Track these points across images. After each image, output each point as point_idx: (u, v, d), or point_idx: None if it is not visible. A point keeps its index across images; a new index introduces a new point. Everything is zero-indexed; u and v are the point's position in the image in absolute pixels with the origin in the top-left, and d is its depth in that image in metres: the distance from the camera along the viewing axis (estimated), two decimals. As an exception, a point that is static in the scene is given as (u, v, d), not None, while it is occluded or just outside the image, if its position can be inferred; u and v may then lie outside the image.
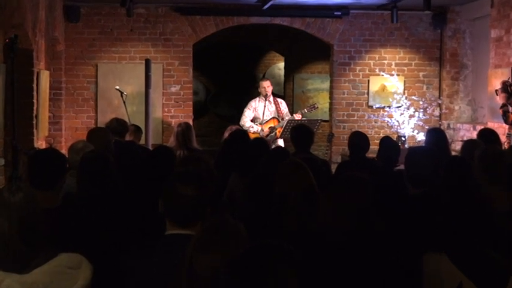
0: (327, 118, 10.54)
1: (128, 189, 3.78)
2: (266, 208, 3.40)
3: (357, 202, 2.72)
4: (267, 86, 8.52)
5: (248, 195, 4.06)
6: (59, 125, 9.24)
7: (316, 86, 13.55)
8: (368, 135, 6.00)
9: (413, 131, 9.45)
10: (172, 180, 2.57)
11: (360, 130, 8.01)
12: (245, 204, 4.01)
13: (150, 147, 7.40)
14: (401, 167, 4.09)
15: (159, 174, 3.77)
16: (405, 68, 9.92)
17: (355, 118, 9.86)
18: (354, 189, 2.78)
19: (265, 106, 8.41)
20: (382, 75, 9.72)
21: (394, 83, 9.68)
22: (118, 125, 6.37)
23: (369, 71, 9.86)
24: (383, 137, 5.75)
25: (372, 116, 9.76)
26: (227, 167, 4.94)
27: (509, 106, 6.98)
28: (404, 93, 9.79)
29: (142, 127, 7.60)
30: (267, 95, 8.46)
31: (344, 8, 9.66)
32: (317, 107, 8.78)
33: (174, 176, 2.61)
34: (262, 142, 5.14)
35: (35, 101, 6.92)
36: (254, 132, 8.32)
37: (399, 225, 2.91)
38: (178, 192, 2.52)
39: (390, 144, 5.41)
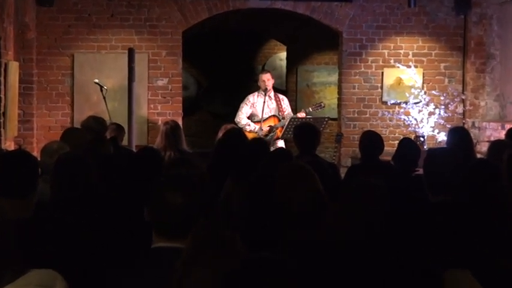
0: (335, 116, 10.54)
1: (109, 197, 3.79)
2: (266, 218, 3.41)
3: (370, 212, 2.72)
4: (267, 79, 8.53)
5: (245, 203, 4.07)
6: (29, 124, 9.24)
7: (323, 79, 13.56)
8: (382, 135, 6.01)
9: (433, 131, 9.46)
10: (159, 186, 2.58)
11: (372, 129, 8.03)
12: (242, 214, 4.02)
13: (134, 149, 7.40)
14: (421, 171, 4.10)
15: (144, 180, 3.78)
16: (424, 59, 9.93)
17: (367, 116, 9.87)
18: (366, 197, 2.79)
19: (264, 102, 8.42)
20: (398, 66, 9.73)
21: (412, 76, 9.69)
22: (95, 124, 6.38)
23: (382, 62, 9.87)
24: (402, 138, 5.75)
25: (386, 113, 9.77)
26: (221, 172, 4.95)
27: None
28: (423, 87, 9.79)
29: (125, 126, 7.60)
30: (266, 89, 8.47)
31: (354, -9, 9.69)
32: (324, 106, 8.79)
33: (162, 181, 2.62)
34: (261, 143, 5.15)
35: (2, 96, 6.92)
36: (251, 131, 8.32)
37: (417, 238, 2.92)
38: (166, 200, 2.52)
39: (409, 145, 5.42)
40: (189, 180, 2.60)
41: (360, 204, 2.75)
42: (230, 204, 4.46)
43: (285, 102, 8.75)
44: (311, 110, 8.61)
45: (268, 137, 8.37)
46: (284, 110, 8.64)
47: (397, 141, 5.80)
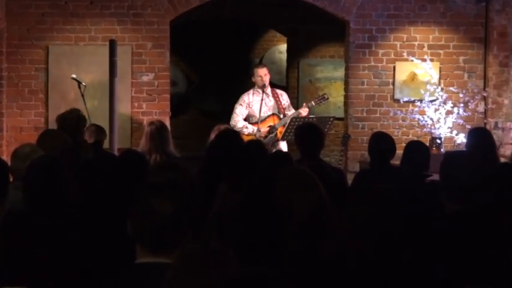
0: (341, 115, 10.55)
1: (88, 206, 3.79)
2: (263, 230, 3.42)
3: (379, 222, 2.73)
4: (263, 74, 8.54)
5: (240, 213, 4.07)
6: (-2, 124, 9.25)
7: (328, 74, 13.57)
8: (394, 137, 6.03)
9: (451, 132, 9.47)
10: (144, 194, 2.58)
11: (383, 130, 8.04)
12: (236, 225, 4.02)
13: (116, 152, 7.40)
14: (436, 177, 4.11)
15: (128, 186, 3.78)
16: (441, 52, 9.94)
17: (378, 115, 9.88)
18: (375, 206, 2.79)
19: (262, 100, 8.43)
20: (412, 60, 9.74)
21: (427, 71, 9.70)
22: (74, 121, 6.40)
23: (394, 55, 9.88)
24: (409, 142, 5.79)
25: (398, 112, 9.78)
26: (214, 177, 4.96)
27: None
28: (439, 83, 9.81)
29: (106, 127, 7.60)
30: (264, 85, 8.48)
31: (363, -25, 9.70)
32: (327, 98, 8.80)
33: (147, 187, 2.62)
34: (257, 145, 5.15)
35: (-32, 93, 6.92)
36: (249, 134, 8.33)
37: (432, 252, 2.93)
38: (152, 209, 2.52)
39: (417, 148, 5.45)
40: (177, 187, 2.60)
41: (367, 212, 2.76)
42: (224, 213, 4.47)
43: (284, 97, 8.76)
44: (314, 103, 8.63)
45: (267, 139, 8.37)
46: (284, 106, 8.65)
47: (411, 144, 5.83)
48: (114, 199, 3.87)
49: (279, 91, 8.85)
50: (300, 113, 8.33)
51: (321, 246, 3.05)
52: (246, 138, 7.29)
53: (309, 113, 8.44)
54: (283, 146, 8.48)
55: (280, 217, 3.31)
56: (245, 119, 8.61)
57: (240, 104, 8.66)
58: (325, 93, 9.04)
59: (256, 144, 5.22)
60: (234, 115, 8.60)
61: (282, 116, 8.52)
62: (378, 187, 3.03)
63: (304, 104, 8.61)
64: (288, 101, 8.85)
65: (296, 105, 12.37)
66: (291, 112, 8.56)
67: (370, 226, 2.79)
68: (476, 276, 2.58)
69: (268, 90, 8.65)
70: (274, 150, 8.06)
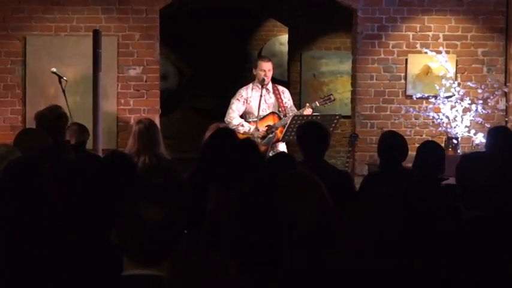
0: (348, 113, 10.56)
1: (69, 213, 3.80)
2: (263, 238, 3.42)
3: (384, 231, 2.75)
4: (267, 69, 8.50)
5: (237, 220, 4.08)
6: (-29, 123, 9.25)
7: (333, 67, 13.58)
8: (406, 137, 6.04)
9: (468, 131, 9.47)
10: (130, 200, 2.58)
11: (394, 130, 8.04)
12: (233, 233, 4.03)
13: (101, 154, 7.40)
14: (452, 180, 4.12)
15: (113, 191, 3.79)
16: (458, 43, 9.95)
17: (388, 113, 9.88)
18: (380, 213, 2.81)
19: (261, 96, 8.42)
20: (426, 52, 9.75)
21: (442, 64, 9.70)
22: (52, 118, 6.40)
23: (406, 46, 9.89)
24: (423, 142, 5.80)
25: (411, 109, 9.78)
26: (208, 181, 4.96)
27: None
28: (456, 77, 9.81)
29: (89, 126, 7.60)
30: (264, 80, 8.47)
31: (372, -41, 9.71)
32: (334, 99, 8.79)
33: (134, 193, 2.63)
34: (249, 144, 5.16)
35: None
36: (245, 133, 8.32)
37: (446, 262, 2.94)
38: (140, 216, 2.52)
39: (431, 149, 5.47)
40: (167, 192, 2.61)
41: (371, 219, 2.77)
42: (217, 215, 4.48)
43: (285, 95, 8.75)
44: (318, 104, 8.60)
45: (266, 139, 8.37)
46: (285, 105, 8.64)
47: (424, 144, 5.84)
48: (98, 205, 3.87)
49: (280, 88, 8.82)
50: (302, 112, 8.29)
51: (325, 257, 3.06)
52: (241, 137, 7.30)
53: (313, 112, 8.41)
54: (282, 147, 8.47)
55: (280, 225, 3.31)
56: (241, 116, 8.59)
57: (237, 99, 8.62)
58: (331, 94, 8.99)
59: (247, 144, 5.23)
60: (230, 111, 8.56)
61: (282, 116, 8.50)
62: (382, 191, 3.04)
63: (308, 104, 8.51)
64: (291, 100, 8.81)
65: (298, 102, 12.38)
66: (292, 112, 8.53)
67: (373, 235, 2.80)
68: (495, 286, 2.59)
69: (269, 86, 8.63)
70: (271, 152, 8.08)
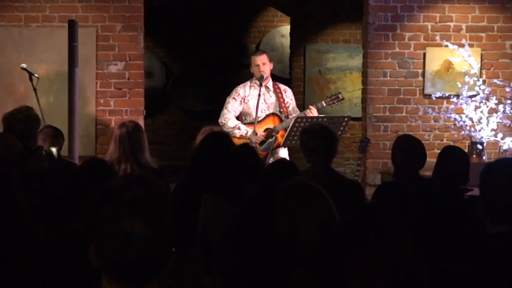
0: (359, 114, 10.57)
1: (41, 227, 3.80)
2: (261, 258, 3.42)
3: (387, 253, 2.76)
4: (262, 62, 8.53)
5: (232, 237, 4.08)
6: None
7: (342, 62, 13.60)
8: (424, 142, 6.04)
9: (495, 135, 9.49)
10: (111, 212, 2.58)
11: (410, 133, 8.04)
12: (227, 251, 4.03)
13: (77, 161, 7.40)
14: (477, 191, 4.12)
15: (91, 204, 3.78)
16: (483, 35, 9.97)
17: (404, 114, 9.89)
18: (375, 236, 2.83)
19: (259, 95, 8.42)
20: (446, 45, 9.76)
21: (465, 59, 9.72)
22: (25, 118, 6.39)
23: (424, 39, 9.90)
24: (443, 148, 5.80)
25: (429, 110, 9.79)
26: (200, 193, 4.97)
27: None
28: (481, 74, 9.82)
29: (64, 129, 7.60)
30: (262, 77, 8.47)
31: None
32: (342, 98, 8.78)
33: (115, 204, 2.62)
34: (246, 151, 5.17)
35: None
36: (242, 137, 8.32)
37: (470, 283, 2.94)
38: (121, 230, 2.52)
39: (453, 156, 5.47)
40: (153, 204, 2.61)
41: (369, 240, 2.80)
42: (210, 234, 4.48)
43: (287, 94, 8.75)
44: (324, 104, 8.60)
45: (265, 145, 8.36)
46: (287, 105, 8.63)
47: (445, 150, 5.84)
48: (74, 219, 3.87)
49: (282, 86, 8.81)
50: (307, 114, 8.27)
51: (331, 277, 3.07)
52: (237, 142, 7.29)
53: (318, 113, 8.38)
54: (284, 153, 8.47)
55: (282, 242, 3.31)
56: (238, 118, 8.58)
57: (233, 98, 8.60)
58: (339, 92, 8.97)
59: (246, 149, 5.23)
60: (225, 111, 8.54)
61: (283, 118, 8.49)
62: (379, 204, 3.06)
63: (313, 105, 8.45)
64: (293, 99, 8.80)
65: (302, 102, 12.40)
66: (296, 113, 8.51)
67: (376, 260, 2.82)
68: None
69: (270, 83, 8.63)
70: (271, 159, 8.07)
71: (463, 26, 9.92)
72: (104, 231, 2.57)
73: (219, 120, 8.47)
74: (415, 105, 9.85)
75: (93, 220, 2.65)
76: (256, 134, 8.30)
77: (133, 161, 6.28)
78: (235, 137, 8.13)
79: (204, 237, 4.55)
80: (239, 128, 8.41)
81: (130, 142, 6.34)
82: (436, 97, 9.72)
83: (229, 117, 8.48)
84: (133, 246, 2.52)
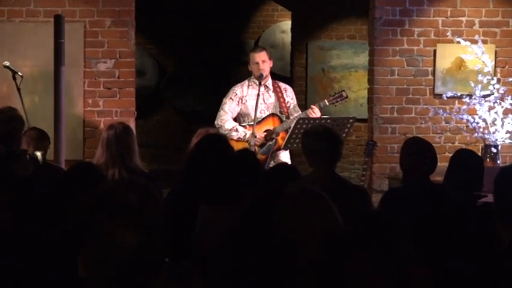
0: (365, 115, 10.58)
1: (25, 236, 3.80)
2: (260, 269, 3.42)
3: (390, 263, 2.77)
4: (261, 60, 8.52)
5: (230, 247, 4.08)
6: None
7: (346, 60, 13.61)
8: (434, 145, 6.04)
9: (510, 138, 9.49)
10: (101, 221, 2.58)
11: (420, 136, 8.03)
12: (225, 263, 4.03)
13: (64, 166, 7.39)
14: (491, 197, 4.13)
15: (78, 212, 3.78)
16: (497, 30, 9.97)
17: (413, 115, 9.90)
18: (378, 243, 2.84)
19: (259, 95, 8.41)
20: (458, 42, 9.76)
21: (479, 56, 9.72)
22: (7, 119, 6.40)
23: (435, 35, 9.90)
24: (456, 151, 5.80)
25: (440, 111, 9.79)
26: (196, 200, 4.97)
27: None
28: (495, 72, 9.82)
29: (50, 132, 7.60)
30: (262, 75, 8.46)
31: None
32: (346, 97, 8.77)
33: (105, 212, 2.62)
34: (245, 154, 5.17)
35: None
36: (239, 140, 8.31)
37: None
38: (112, 241, 2.52)
39: (466, 160, 5.47)
40: (144, 212, 2.61)
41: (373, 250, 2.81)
42: (206, 244, 4.48)
43: (288, 93, 8.74)
44: (327, 103, 8.58)
45: (265, 148, 8.36)
46: (288, 105, 8.63)
47: (457, 154, 5.85)
48: (60, 228, 3.87)
49: (282, 85, 8.80)
50: (309, 114, 8.26)
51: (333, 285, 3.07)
52: (235, 145, 7.29)
53: (321, 113, 8.38)
54: (285, 157, 8.46)
55: (283, 251, 3.32)
56: (235, 119, 8.57)
57: (230, 98, 8.59)
58: (343, 90, 8.96)
59: (244, 154, 5.24)
60: (221, 112, 8.52)
61: (284, 118, 8.49)
62: (384, 213, 3.07)
63: (316, 104, 8.46)
64: (294, 99, 8.79)
65: (304, 102, 12.40)
66: (296, 114, 8.51)
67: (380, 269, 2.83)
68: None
69: (269, 82, 8.62)
70: (272, 163, 8.06)
71: (476, 21, 9.92)
72: (93, 241, 2.57)
73: (215, 122, 8.46)
74: (425, 106, 9.86)
75: (81, 229, 2.65)
76: (255, 136, 8.28)
77: (121, 165, 6.28)
78: (232, 139, 8.12)
79: (201, 247, 4.55)
80: (237, 130, 8.40)
81: (118, 145, 6.34)
82: (447, 97, 9.72)
83: (226, 119, 8.46)
84: (124, 257, 2.52)
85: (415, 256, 2.95)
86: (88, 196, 3.74)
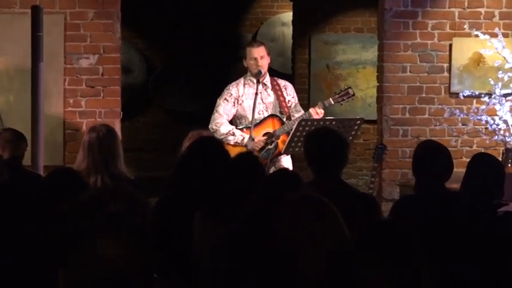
0: (374, 116, 10.58)
1: (2, 249, 3.81)
2: (258, 276, 3.43)
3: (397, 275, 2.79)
4: (259, 56, 8.51)
5: (224, 261, 4.09)
6: None
7: (353, 55, 13.61)
8: (450, 149, 6.04)
9: (534, 140, 9.50)
10: (84, 233, 2.59)
11: (434, 139, 8.04)
12: (219, 277, 4.04)
13: (42, 172, 7.39)
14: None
15: (59, 222, 3.79)
16: (519, 23, 10.00)
17: (426, 116, 9.91)
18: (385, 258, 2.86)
19: (256, 94, 8.42)
20: (477, 35, 9.78)
21: (499, 51, 9.73)
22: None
23: (451, 28, 9.92)
24: (474, 156, 5.80)
25: (457, 112, 9.80)
26: (188, 210, 4.98)
27: None
28: (517, 69, 9.84)
29: (27, 134, 7.60)
30: (260, 72, 8.46)
31: None
32: (353, 95, 8.76)
33: (88, 223, 2.63)
34: (249, 160, 5.17)
35: None
36: (237, 144, 8.31)
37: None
38: (96, 253, 2.53)
39: (485, 165, 5.47)
40: (130, 222, 2.61)
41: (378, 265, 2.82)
42: (199, 257, 4.49)
43: (289, 91, 8.72)
44: (332, 102, 8.58)
45: (264, 152, 8.36)
46: (289, 104, 8.63)
47: (475, 158, 5.87)
48: (39, 240, 3.88)
49: (282, 82, 8.79)
50: (312, 115, 8.26)
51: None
52: (232, 150, 7.29)
53: (325, 115, 8.38)
54: (287, 162, 8.47)
55: (283, 264, 3.32)
56: (231, 122, 8.57)
57: (225, 100, 8.58)
58: (349, 87, 8.95)
59: (246, 159, 5.24)
60: (216, 115, 8.50)
61: (285, 119, 8.49)
62: (392, 223, 3.09)
63: (319, 103, 8.47)
64: (296, 97, 8.79)
65: (307, 102, 12.41)
66: (298, 114, 8.51)
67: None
68: None
69: (267, 79, 8.61)
70: (272, 168, 8.06)
71: (496, 12, 9.94)
72: (75, 254, 2.57)
73: (210, 126, 8.43)
74: (440, 106, 9.87)
75: (61, 241, 2.66)
76: (254, 140, 8.28)
77: (104, 172, 6.28)
78: (229, 144, 8.12)
79: (195, 259, 4.56)
80: (233, 134, 8.38)
81: (101, 150, 6.34)
82: (464, 96, 9.73)
83: (221, 122, 8.43)
84: (109, 272, 2.53)
85: (427, 272, 2.96)
86: (68, 205, 3.76)
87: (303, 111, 8.58)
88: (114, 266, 2.53)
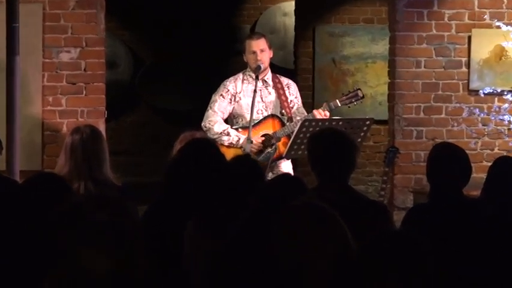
0: (384, 116, 10.61)
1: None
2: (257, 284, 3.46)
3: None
4: (259, 49, 8.53)
5: (219, 272, 4.11)
6: None
7: (362, 49, 13.63)
8: (469, 152, 6.07)
9: (561, 143, 9.53)
10: (68, 244, 2.61)
11: (451, 141, 8.07)
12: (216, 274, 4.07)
13: (18, 178, 7.41)
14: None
15: (40, 232, 3.81)
16: (545, 13, 10.03)
17: (443, 116, 9.93)
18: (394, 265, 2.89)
19: (255, 91, 8.44)
20: (498, 26, 9.80)
21: (523, 44, 9.77)
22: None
23: (469, 18, 9.94)
24: (496, 160, 5.82)
25: (476, 111, 9.82)
26: (179, 218, 5.00)
27: None
28: (543, 64, 9.87)
29: (2, 135, 7.63)
30: (259, 67, 8.47)
31: None
32: (363, 96, 8.78)
33: (72, 234, 2.65)
34: (248, 163, 5.19)
35: None
36: (232, 145, 8.32)
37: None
38: (80, 265, 2.56)
39: (507, 170, 5.49)
40: (118, 232, 2.64)
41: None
42: (191, 269, 4.51)
43: (292, 90, 8.75)
44: (339, 104, 8.59)
45: (263, 156, 8.38)
46: (291, 104, 8.64)
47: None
48: (19, 252, 3.90)
49: (284, 80, 8.80)
50: (315, 115, 8.26)
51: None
52: (227, 152, 7.31)
53: (332, 115, 8.38)
54: (287, 167, 8.48)
55: (285, 276, 3.35)
56: (227, 121, 8.58)
57: (221, 96, 8.58)
58: (358, 88, 8.93)
59: (244, 162, 5.27)
60: (210, 112, 8.48)
61: (286, 120, 8.50)
62: (404, 232, 3.12)
63: (325, 104, 8.48)
64: (299, 97, 8.79)
65: (311, 100, 12.43)
66: (302, 115, 8.51)
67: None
68: None
69: (268, 76, 8.63)
70: (270, 174, 8.09)
71: (520, 1, 9.97)
72: (58, 266, 2.60)
73: (202, 124, 8.44)
74: (458, 105, 9.89)
75: (43, 253, 2.68)
76: (251, 141, 8.27)
77: (88, 177, 6.28)
78: (223, 145, 8.14)
79: (188, 269, 4.59)
80: (228, 134, 8.38)
81: (84, 153, 6.34)
82: (484, 93, 9.75)
83: (215, 120, 8.45)
84: (93, 285, 2.56)
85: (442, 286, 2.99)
86: (50, 214, 3.79)
87: (306, 113, 8.56)
88: (98, 279, 2.55)
